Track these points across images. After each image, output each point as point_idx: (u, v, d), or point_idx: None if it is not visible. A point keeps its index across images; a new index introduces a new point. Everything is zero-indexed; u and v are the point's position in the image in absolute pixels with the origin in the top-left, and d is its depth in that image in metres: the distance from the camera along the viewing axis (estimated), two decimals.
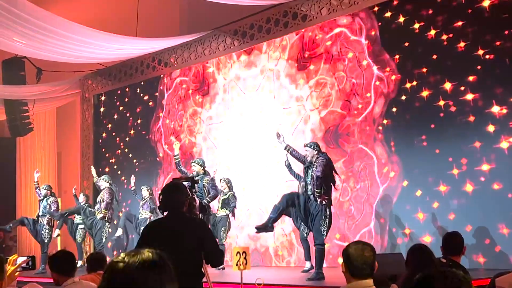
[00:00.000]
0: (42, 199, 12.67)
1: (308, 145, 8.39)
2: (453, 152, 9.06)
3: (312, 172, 8.14)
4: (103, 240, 11.84)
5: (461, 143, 9.00)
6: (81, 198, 13.08)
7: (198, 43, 12.99)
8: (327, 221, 8.06)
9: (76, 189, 13.51)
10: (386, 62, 10.05)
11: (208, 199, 9.67)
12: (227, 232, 10.52)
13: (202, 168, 9.90)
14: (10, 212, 17.86)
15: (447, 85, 9.19)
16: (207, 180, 9.78)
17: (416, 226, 9.44)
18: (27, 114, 15.82)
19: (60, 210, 13.03)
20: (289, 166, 9.58)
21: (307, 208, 8.09)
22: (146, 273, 1.60)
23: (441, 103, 9.23)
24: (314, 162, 8.18)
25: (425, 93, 9.47)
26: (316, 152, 8.26)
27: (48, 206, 12.51)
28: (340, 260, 8.99)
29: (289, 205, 8.24)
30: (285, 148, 8.56)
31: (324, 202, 8.03)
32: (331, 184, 8.25)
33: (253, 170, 11.92)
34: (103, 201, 11.71)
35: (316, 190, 8.01)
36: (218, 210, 10.57)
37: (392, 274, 5.18)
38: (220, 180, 10.72)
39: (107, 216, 11.72)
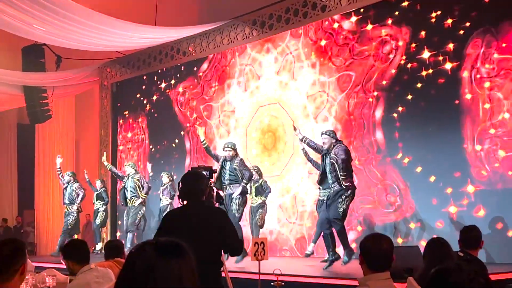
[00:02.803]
0: (66, 186, 12.73)
1: (326, 133, 8.45)
2: (467, 138, 9.10)
3: (330, 158, 8.22)
4: (137, 221, 11.99)
5: (475, 129, 9.03)
6: (98, 184, 13.18)
7: (216, 33, 12.99)
8: (347, 202, 8.20)
9: (88, 174, 13.58)
10: (402, 50, 10.07)
11: (245, 181, 9.55)
12: (263, 216, 10.47)
13: (234, 151, 9.75)
14: (29, 198, 18.05)
15: (465, 74, 9.20)
16: (237, 163, 9.59)
17: (429, 212, 9.50)
18: (46, 101, 15.91)
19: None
20: (306, 154, 9.43)
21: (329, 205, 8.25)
22: (165, 262, 1.61)
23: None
24: (332, 149, 8.23)
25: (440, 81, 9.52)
26: (334, 140, 8.35)
27: (73, 192, 12.59)
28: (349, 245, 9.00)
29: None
30: (301, 140, 8.70)
31: (349, 184, 8.17)
32: (351, 170, 8.40)
33: (273, 157, 11.98)
34: (141, 187, 11.84)
35: (342, 174, 8.11)
36: (253, 198, 10.53)
37: (408, 267, 5.19)
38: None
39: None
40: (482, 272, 1.88)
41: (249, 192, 9.80)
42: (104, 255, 5.66)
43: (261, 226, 10.47)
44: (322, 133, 8.53)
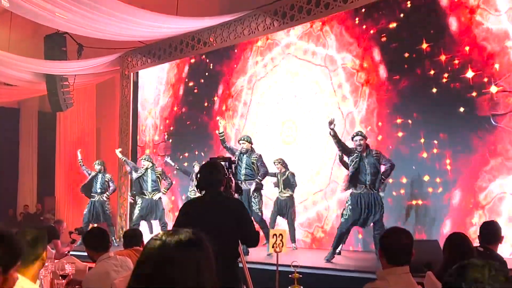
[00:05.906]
0: (95, 175, 12.80)
1: (359, 133, 8.40)
2: None
3: (380, 163, 8.24)
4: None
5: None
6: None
7: (237, 23, 12.93)
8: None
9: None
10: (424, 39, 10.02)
11: (260, 177, 9.49)
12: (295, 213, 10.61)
13: (250, 145, 9.68)
14: (49, 185, 18.23)
15: None
16: (255, 157, 9.52)
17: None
18: (67, 89, 16.01)
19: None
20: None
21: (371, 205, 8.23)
22: (183, 252, 1.63)
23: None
24: (371, 151, 8.27)
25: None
26: (364, 141, 8.32)
27: (105, 183, 12.69)
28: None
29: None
30: (331, 133, 8.32)
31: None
32: None
33: (304, 146, 11.95)
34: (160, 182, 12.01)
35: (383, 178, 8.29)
36: (281, 191, 10.55)
37: (428, 261, 5.16)
38: (274, 162, 10.61)
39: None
40: (503, 269, 1.86)
41: (242, 191, 9.42)
42: (123, 244, 5.70)
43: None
44: (357, 134, 8.38)
